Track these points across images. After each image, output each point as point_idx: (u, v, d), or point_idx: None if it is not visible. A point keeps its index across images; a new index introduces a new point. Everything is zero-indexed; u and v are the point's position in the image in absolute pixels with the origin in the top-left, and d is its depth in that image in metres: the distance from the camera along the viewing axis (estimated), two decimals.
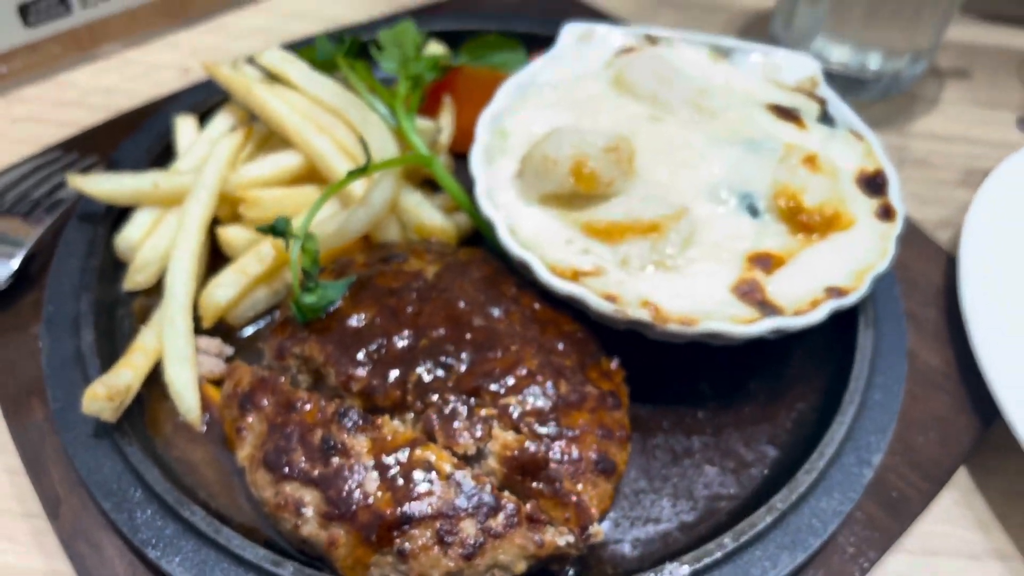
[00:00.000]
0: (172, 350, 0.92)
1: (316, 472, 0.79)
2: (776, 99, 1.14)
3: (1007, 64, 1.56)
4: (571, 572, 0.84)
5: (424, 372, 0.85)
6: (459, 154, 1.14)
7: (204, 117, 1.20)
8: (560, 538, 0.78)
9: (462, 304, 0.90)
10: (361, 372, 0.85)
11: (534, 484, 0.80)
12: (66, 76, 1.45)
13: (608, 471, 0.83)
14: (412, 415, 0.84)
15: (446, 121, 1.14)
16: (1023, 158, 1.26)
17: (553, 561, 0.80)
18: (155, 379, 0.95)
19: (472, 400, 0.83)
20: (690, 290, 0.93)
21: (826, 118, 1.13)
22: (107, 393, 0.85)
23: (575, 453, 0.81)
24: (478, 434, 0.81)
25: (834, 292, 0.92)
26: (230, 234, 1.04)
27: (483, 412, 0.83)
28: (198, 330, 0.99)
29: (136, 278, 1.03)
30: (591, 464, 0.82)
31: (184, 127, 1.16)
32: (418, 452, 0.79)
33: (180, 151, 1.14)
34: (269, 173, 1.05)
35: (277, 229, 0.88)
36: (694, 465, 0.94)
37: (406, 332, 0.87)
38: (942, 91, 1.51)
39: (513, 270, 0.97)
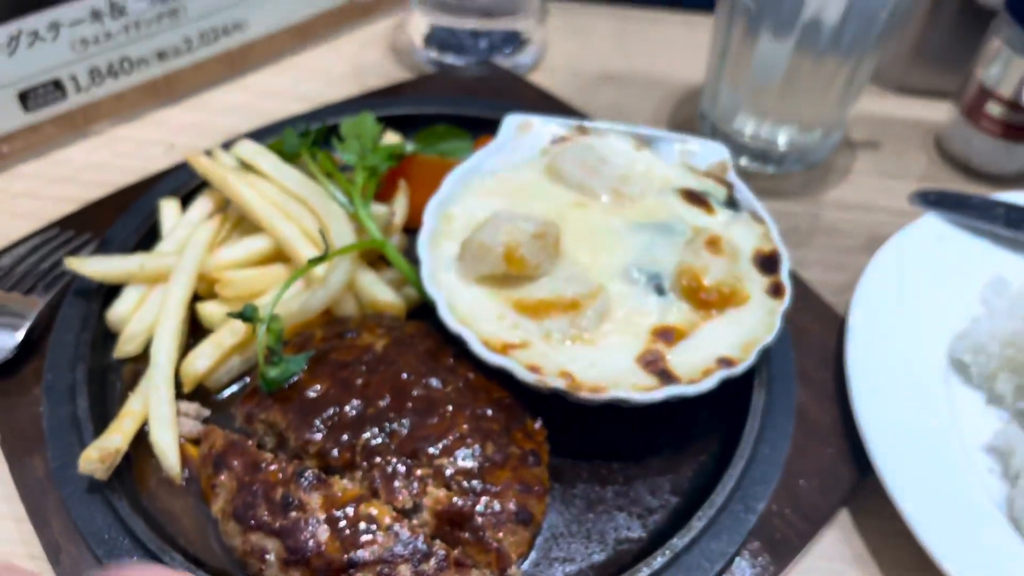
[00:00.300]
0: (157, 415, 1.06)
1: (277, 524, 0.92)
2: (689, 184, 1.29)
3: (914, 135, 1.72)
4: None
5: (370, 436, 0.99)
6: (412, 230, 1.28)
7: (187, 198, 1.34)
8: None
9: (405, 375, 1.05)
10: (317, 437, 1.00)
11: (462, 533, 0.94)
12: (61, 153, 1.57)
13: (526, 521, 0.97)
14: (360, 474, 0.98)
15: (400, 205, 1.28)
16: (916, 228, 1.41)
17: None
18: (141, 439, 1.07)
19: (410, 461, 0.97)
20: (602, 361, 1.06)
21: (731, 202, 1.28)
22: (99, 456, 0.99)
23: (497, 506, 0.96)
24: (414, 491, 0.95)
25: (724, 363, 1.06)
26: (208, 309, 1.18)
27: (419, 472, 0.97)
28: (179, 394, 1.12)
29: (125, 348, 1.17)
30: (511, 515, 0.96)
31: (167, 210, 1.31)
32: (363, 507, 0.93)
33: (164, 232, 1.28)
34: (242, 256, 1.20)
35: (245, 315, 1.03)
36: (606, 511, 1.07)
37: (356, 401, 1.02)
38: (854, 162, 1.66)
39: (453, 341, 1.11)
